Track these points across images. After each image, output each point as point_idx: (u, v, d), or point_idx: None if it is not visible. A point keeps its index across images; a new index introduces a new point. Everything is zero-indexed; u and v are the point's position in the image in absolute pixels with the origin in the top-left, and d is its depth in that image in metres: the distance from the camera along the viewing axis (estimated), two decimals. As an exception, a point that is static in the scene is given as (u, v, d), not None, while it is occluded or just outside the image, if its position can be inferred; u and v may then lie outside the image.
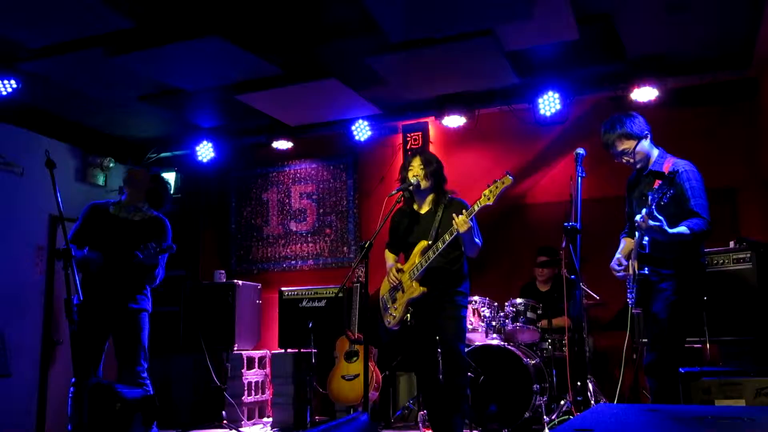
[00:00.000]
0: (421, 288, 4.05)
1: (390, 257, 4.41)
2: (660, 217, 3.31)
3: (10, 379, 5.08)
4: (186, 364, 6.58)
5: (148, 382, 4.25)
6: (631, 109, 3.96)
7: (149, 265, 4.21)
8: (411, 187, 4.18)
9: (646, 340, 3.72)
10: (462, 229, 3.85)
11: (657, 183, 3.33)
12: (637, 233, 3.52)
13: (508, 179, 3.87)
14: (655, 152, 3.71)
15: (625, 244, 3.82)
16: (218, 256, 7.57)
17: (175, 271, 7.28)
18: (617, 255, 3.77)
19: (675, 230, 3.36)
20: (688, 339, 4.48)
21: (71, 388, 4.16)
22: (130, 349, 4.24)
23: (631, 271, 3.60)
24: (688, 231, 3.39)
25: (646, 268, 3.54)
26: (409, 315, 4.19)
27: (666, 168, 3.54)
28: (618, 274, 3.73)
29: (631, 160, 3.70)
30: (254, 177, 7.62)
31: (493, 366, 4.99)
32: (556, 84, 5.82)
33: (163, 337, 6.69)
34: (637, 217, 3.37)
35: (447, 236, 3.94)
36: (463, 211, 3.94)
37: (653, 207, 3.30)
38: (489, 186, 3.91)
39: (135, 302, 4.30)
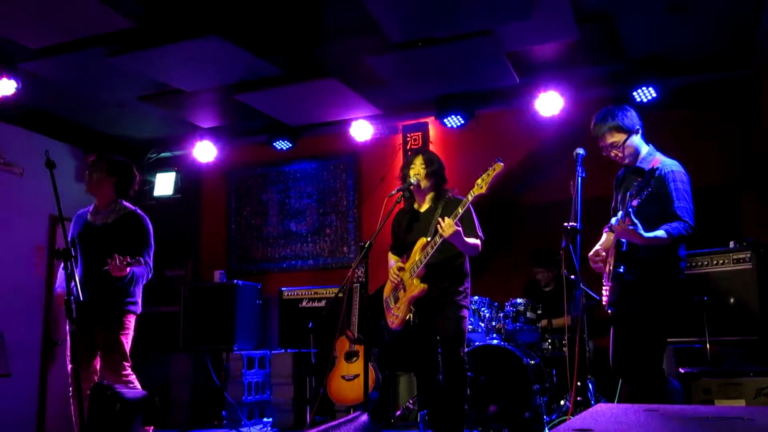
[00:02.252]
0: (422, 285, 4.04)
1: (393, 259, 4.40)
2: (636, 221, 3.21)
3: (10, 379, 5.07)
4: (186, 364, 6.58)
5: (133, 378, 4.17)
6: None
7: (119, 276, 4.02)
8: (411, 187, 4.18)
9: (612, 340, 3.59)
10: (446, 234, 3.81)
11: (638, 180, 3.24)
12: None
13: (499, 165, 3.84)
14: (645, 149, 3.63)
15: (606, 237, 3.71)
16: (218, 256, 7.57)
17: (174, 271, 7.31)
18: (596, 247, 3.68)
19: (651, 234, 3.26)
20: (687, 339, 4.50)
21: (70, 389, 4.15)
22: (112, 351, 4.16)
23: (607, 269, 3.51)
24: (665, 235, 3.28)
25: (622, 266, 3.44)
26: (411, 315, 4.18)
27: (652, 166, 3.49)
28: (594, 265, 3.63)
29: (620, 154, 3.60)
30: (254, 177, 7.62)
31: (493, 366, 4.99)
32: (556, 84, 5.82)
33: (163, 337, 6.70)
34: (613, 221, 3.29)
35: (437, 238, 3.93)
36: (459, 209, 3.91)
37: (630, 208, 3.18)
38: (481, 175, 3.89)
39: (119, 304, 4.20)
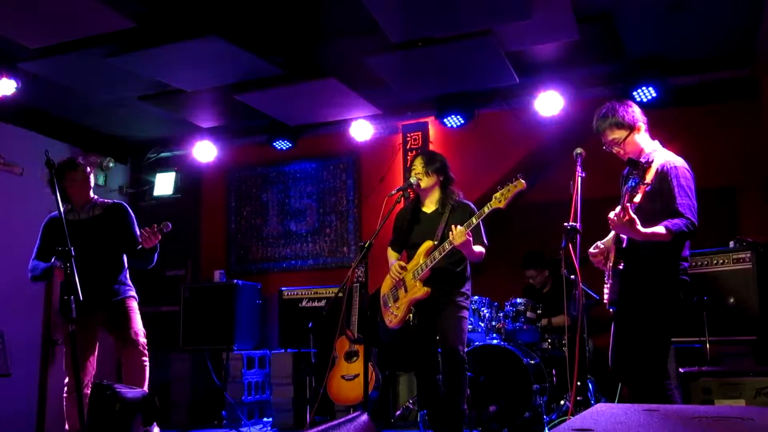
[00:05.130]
0: (425, 288, 4.04)
1: (392, 255, 4.39)
2: (633, 216, 3.11)
3: (10, 379, 5.07)
4: (186, 364, 6.58)
5: (146, 354, 4.34)
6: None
7: (150, 249, 4.26)
8: (410, 187, 4.18)
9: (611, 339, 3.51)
10: (457, 242, 3.81)
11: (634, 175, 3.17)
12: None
13: (522, 183, 3.79)
14: (649, 145, 3.53)
15: (612, 234, 3.60)
16: (218, 256, 7.57)
17: (174, 271, 7.31)
18: (598, 242, 3.59)
19: (650, 229, 3.15)
20: (687, 339, 4.50)
21: (65, 388, 4.20)
22: (126, 332, 4.30)
23: (608, 266, 3.44)
24: (664, 231, 3.16)
25: (622, 263, 3.36)
26: (411, 315, 4.17)
27: (647, 157, 3.39)
28: (593, 259, 3.54)
29: (621, 151, 3.52)
30: (254, 177, 7.62)
31: (493, 366, 4.99)
32: (556, 84, 5.82)
33: (163, 337, 6.70)
34: (611, 215, 3.18)
35: (447, 245, 3.93)
36: (473, 219, 3.89)
37: (627, 203, 3.10)
38: (500, 189, 3.83)
39: (117, 294, 4.36)
